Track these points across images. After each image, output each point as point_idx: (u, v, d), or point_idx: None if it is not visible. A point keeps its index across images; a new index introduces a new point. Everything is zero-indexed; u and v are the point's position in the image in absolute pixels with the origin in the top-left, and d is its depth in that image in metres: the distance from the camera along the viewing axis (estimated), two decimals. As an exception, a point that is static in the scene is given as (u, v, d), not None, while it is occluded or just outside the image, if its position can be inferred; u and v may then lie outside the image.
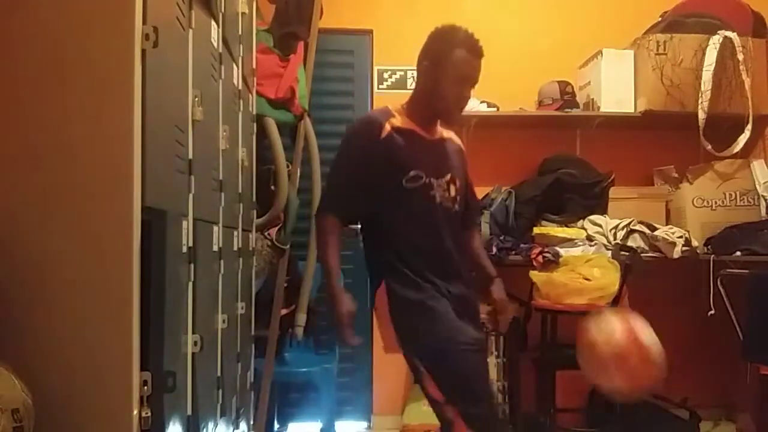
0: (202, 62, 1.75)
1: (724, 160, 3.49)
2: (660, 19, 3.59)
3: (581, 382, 3.40)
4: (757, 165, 3.49)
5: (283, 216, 3.04)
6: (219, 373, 1.96)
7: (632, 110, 3.48)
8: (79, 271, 1.20)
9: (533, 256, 3.19)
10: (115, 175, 1.20)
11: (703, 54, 3.38)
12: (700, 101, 3.36)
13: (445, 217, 2.08)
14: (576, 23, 3.77)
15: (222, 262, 1.98)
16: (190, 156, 1.60)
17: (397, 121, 2.07)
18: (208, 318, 1.81)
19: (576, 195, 3.46)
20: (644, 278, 3.15)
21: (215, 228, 1.91)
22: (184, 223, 1.54)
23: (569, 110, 3.53)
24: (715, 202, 3.48)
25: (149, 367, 1.24)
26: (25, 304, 1.19)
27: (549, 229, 3.38)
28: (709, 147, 3.43)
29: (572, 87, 3.62)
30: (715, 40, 3.38)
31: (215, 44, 1.93)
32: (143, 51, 1.23)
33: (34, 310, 1.20)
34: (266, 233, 2.98)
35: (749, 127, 3.37)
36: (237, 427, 2.30)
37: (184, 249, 1.53)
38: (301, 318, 3.16)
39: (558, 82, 3.59)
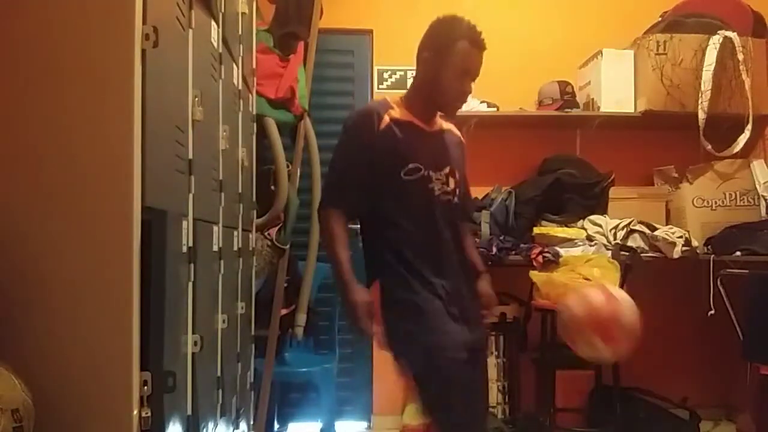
0: (202, 62, 1.75)
1: (724, 160, 3.49)
2: (660, 19, 3.59)
3: (581, 382, 3.42)
4: (757, 165, 3.49)
5: (283, 216, 3.04)
6: (219, 373, 1.96)
7: (632, 110, 3.48)
8: (79, 271, 1.20)
9: (533, 256, 3.19)
10: (115, 175, 1.20)
11: (703, 54, 3.39)
12: (700, 101, 3.36)
13: (443, 210, 2.04)
14: (576, 23, 3.77)
15: (222, 262, 1.98)
16: (190, 156, 1.60)
17: (396, 112, 2.03)
18: (208, 318, 1.81)
19: (576, 195, 3.46)
20: (644, 278, 3.14)
21: (215, 228, 1.91)
22: (184, 223, 1.54)
23: (569, 110, 3.53)
24: (715, 202, 3.48)
25: (149, 367, 1.24)
26: (25, 304, 1.19)
27: (549, 229, 3.38)
28: (709, 147, 3.43)
29: (572, 87, 3.62)
30: (715, 40, 3.38)
31: (215, 44, 1.93)
32: (143, 51, 1.23)
33: (34, 310, 1.20)
34: (266, 233, 2.98)
35: (749, 127, 3.38)
36: (237, 427, 2.30)
37: (184, 249, 1.53)
38: (301, 318, 3.16)
39: (558, 82, 3.59)
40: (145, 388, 1.23)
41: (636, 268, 3.05)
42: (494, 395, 3.38)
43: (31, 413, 1.08)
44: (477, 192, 3.56)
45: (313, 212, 3.13)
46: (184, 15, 1.54)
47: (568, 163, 3.56)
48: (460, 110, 2.15)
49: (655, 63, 3.38)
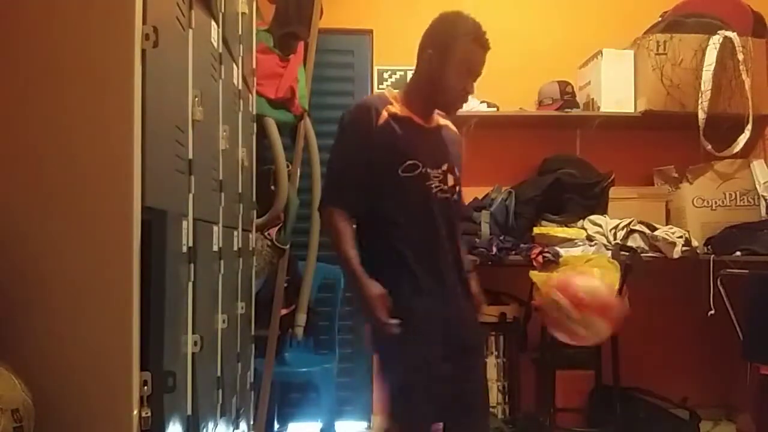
0: (202, 62, 1.75)
1: (724, 160, 3.49)
2: (660, 19, 3.59)
3: (581, 382, 3.42)
4: (757, 165, 3.49)
5: (283, 216, 3.04)
6: (219, 373, 1.96)
7: (632, 110, 3.48)
8: (79, 271, 1.20)
9: (533, 256, 3.19)
10: (115, 175, 1.20)
11: (703, 54, 3.39)
12: (700, 101, 3.36)
13: (441, 208, 2.01)
14: (576, 23, 3.77)
15: (222, 262, 1.98)
16: (190, 156, 1.60)
17: (394, 108, 1.99)
18: (208, 318, 1.81)
19: (576, 195, 3.46)
20: (644, 278, 3.14)
21: (215, 228, 1.91)
22: (184, 223, 1.54)
23: (569, 110, 3.53)
24: (715, 202, 3.48)
25: (149, 367, 1.24)
26: (25, 304, 1.19)
27: (549, 229, 3.38)
28: (709, 147, 3.43)
29: (572, 87, 3.62)
30: (715, 40, 3.38)
31: (215, 44, 1.93)
32: (143, 51, 1.23)
33: (34, 310, 1.20)
34: (266, 233, 2.98)
35: (749, 127, 3.38)
36: (237, 427, 2.30)
37: (184, 249, 1.53)
38: (301, 318, 3.17)
39: (558, 82, 3.59)
40: (145, 388, 1.23)
41: (636, 268, 3.05)
42: (494, 395, 3.38)
43: (31, 413, 1.08)
44: (477, 192, 3.57)
45: (313, 212, 3.13)
46: (184, 15, 1.54)
47: (568, 163, 3.56)
48: (460, 110, 2.12)
49: (655, 63, 3.39)
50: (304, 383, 3.47)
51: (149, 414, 1.23)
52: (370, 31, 3.75)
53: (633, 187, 3.62)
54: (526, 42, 3.68)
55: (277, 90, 3.01)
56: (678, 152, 3.64)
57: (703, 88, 3.35)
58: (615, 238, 3.31)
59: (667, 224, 3.45)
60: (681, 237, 3.24)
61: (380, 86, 3.68)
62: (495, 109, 3.54)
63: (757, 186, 3.45)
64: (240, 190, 2.43)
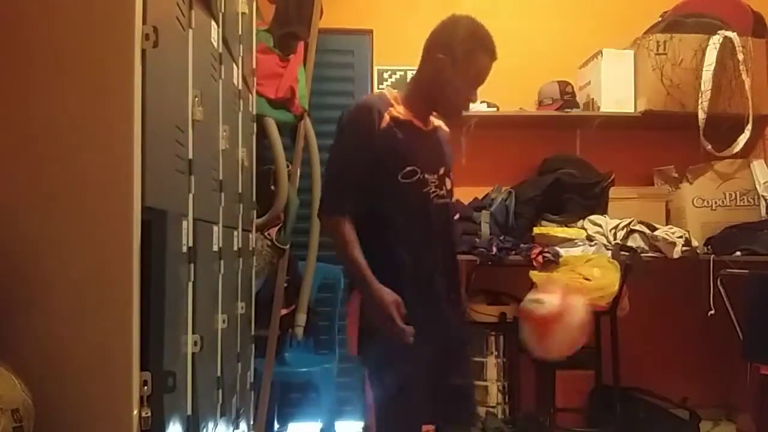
0: (202, 62, 1.75)
1: (724, 160, 3.49)
2: (660, 19, 3.59)
3: (581, 382, 3.42)
4: (757, 165, 3.49)
5: (283, 216, 3.04)
6: (219, 373, 1.96)
7: (632, 110, 3.48)
8: (79, 271, 1.20)
9: (533, 256, 3.19)
10: (115, 175, 1.20)
11: (703, 54, 3.39)
12: (700, 101, 3.36)
13: (438, 213, 2.00)
14: (576, 23, 3.77)
15: (222, 262, 1.98)
16: (190, 156, 1.60)
17: (396, 111, 1.95)
18: (208, 318, 1.81)
19: (576, 195, 3.46)
20: (644, 278, 3.15)
21: (215, 228, 1.91)
22: (184, 223, 1.54)
23: (569, 110, 3.53)
24: (715, 202, 3.48)
25: (149, 367, 1.24)
26: (25, 304, 1.19)
27: (549, 229, 3.38)
28: (709, 147, 3.43)
29: (572, 87, 3.62)
30: (715, 40, 3.38)
31: (215, 44, 1.93)
32: (143, 51, 1.23)
33: (34, 310, 1.20)
34: (266, 233, 2.98)
35: (749, 127, 3.38)
36: (237, 427, 2.30)
37: (184, 249, 1.53)
38: (301, 318, 3.17)
39: (558, 82, 3.59)
40: (145, 388, 1.23)
41: (636, 268, 3.05)
42: (494, 395, 3.38)
43: (31, 413, 1.08)
44: (477, 192, 3.57)
45: (313, 212, 3.12)
46: (184, 15, 1.54)
47: (568, 163, 3.57)
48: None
49: (655, 63, 3.39)
50: (304, 383, 3.47)
51: (149, 414, 1.23)
52: (370, 31, 3.75)
53: (633, 187, 3.62)
54: (526, 42, 3.68)
55: (277, 90, 3.01)
56: (678, 152, 3.64)
57: (703, 88, 3.35)
58: (615, 238, 3.31)
59: (667, 224, 3.45)
60: (681, 237, 3.24)
61: (380, 86, 3.69)
62: (495, 109, 3.54)
63: (757, 186, 3.45)
64: (240, 190, 2.43)
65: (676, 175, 3.62)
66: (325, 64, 3.54)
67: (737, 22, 3.47)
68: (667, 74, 3.38)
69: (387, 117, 1.93)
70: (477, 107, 3.45)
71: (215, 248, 1.91)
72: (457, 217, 3.37)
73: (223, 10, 2.00)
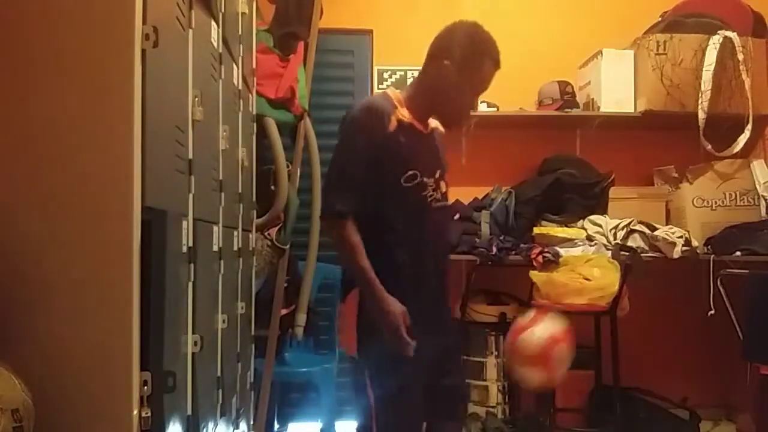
0: (202, 62, 1.75)
1: (724, 160, 3.49)
2: (660, 19, 3.59)
3: (581, 382, 3.42)
4: (757, 165, 3.49)
5: (283, 216, 3.04)
6: (219, 373, 1.96)
7: (632, 110, 3.48)
8: (79, 271, 1.20)
9: (533, 256, 3.19)
10: (115, 175, 1.20)
11: (703, 54, 3.39)
12: (700, 101, 3.36)
13: (435, 216, 2.01)
14: (576, 23, 3.77)
15: (222, 262, 1.98)
16: (190, 156, 1.60)
17: (401, 114, 1.95)
18: (208, 318, 1.81)
19: (576, 195, 3.46)
20: (644, 278, 3.15)
21: (215, 228, 1.91)
22: (184, 223, 1.54)
23: (569, 110, 3.53)
24: (715, 202, 3.48)
25: (149, 367, 1.24)
26: (25, 304, 1.19)
27: (549, 229, 3.38)
28: (709, 147, 3.43)
29: (572, 87, 3.62)
30: (715, 40, 3.38)
31: (215, 44, 1.93)
32: (143, 51, 1.23)
33: (34, 310, 1.20)
34: (266, 233, 2.98)
35: (749, 127, 3.38)
36: (237, 427, 2.30)
37: (184, 249, 1.53)
38: (301, 318, 3.17)
39: (558, 82, 3.59)
40: (145, 388, 1.23)
41: (636, 268, 3.05)
42: (494, 395, 3.38)
43: (31, 413, 1.08)
44: (477, 192, 3.57)
45: (313, 212, 3.13)
46: (184, 15, 1.54)
47: (568, 163, 3.57)
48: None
49: (655, 63, 3.39)
50: (304, 383, 3.47)
51: (149, 414, 1.23)
52: (370, 31, 3.75)
53: (633, 187, 3.62)
54: (526, 42, 3.68)
55: (277, 90, 3.01)
56: (678, 152, 3.64)
57: (703, 88, 3.36)
58: (615, 238, 3.31)
59: (667, 224, 3.45)
60: (681, 237, 3.24)
61: (380, 86, 3.68)
62: (495, 109, 3.54)
63: (757, 186, 3.45)
64: (240, 190, 2.43)
65: (676, 175, 3.62)
66: (325, 64, 3.54)
67: (737, 22, 3.47)
68: (667, 74, 3.38)
69: (394, 120, 1.93)
70: (477, 107, 3.45)
71: (215, 248, 1.91)
72: (457, 217, 3.40)
73: (223, 10, 2.00)
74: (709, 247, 3.32)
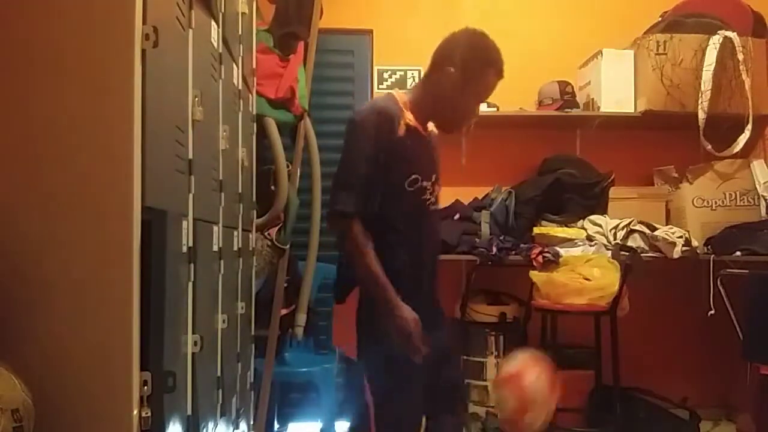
0: (202, 62, 1.75)
1: (724, 160, 3.49)
2: (660, 19, 3.59)
3: (581, 382, 3.42)
4: (757, 165, 3.49)
5: (283, 216, 3.04)
6: (219, 373, 1.96)
7: (632, 110, 3.48)
8: (79, 271, 1.20)
9: (533, 256, 3.19)
10: (115, 175, 1.20)
11: (703, 54, 3.39)
12: (700, 101, 3.36)
13: (431, 219, 2.06)
14: (576, 23, 3.77)
15: (222, 262, 1.98)
16: (190, 156, 1.60)
17: (407, 118, 1.97)
18: (208, 318, 1.81)
19: (576, 195, 3.47)
20: (644, 278, 3.15)
21: (215, 228, 1.91)
22: (184, 223, 1.54)
23: (569, 110, 3.54)
24: (715, 202, 3.48)
25: (149, 367, 1.23)
26: (25, 304, 1.19)
27: (549, 229, 3.38)
28: (709, 147, 3.43)
29: (572, 87, 3.62)
30: (715, 40, 3.39)
31: (215, 44, 1.92)
32: (143, 51, 1.22)
33: (34, 310, 1.20)
34: (266, 233, 2.98)
35: (749, 127, 3.38)
36: (237, 427, 2.30)
37: (184, 249, 1.53)
38: (301, 318, 3.16)
39: (558, 82, 3.59)
40: (145, 388, 1.22)
41: (636, 268, 3.05)
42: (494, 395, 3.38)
43: (31, 413, 1.08)
44: (477, 192, 3.57)
45: (313, 213, 3.13)
46: (184, 15, 1.54)
47: (568, 163, 3.57)
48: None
49: (655, 63, 3.39)
50: (304, 383, 3.47)
51: (149, 414, 1.22)
52: (370, 31, 3.75)
53: (633, 187, 3.62)
54: (526, 42, 3.68)
55: (277, 90, 3.01)
56: (678, 152, 3.64)
57: (703, 88, 3.36)
58: (615, 238, 3.31)
59: (667, 224, 3.45)
60: (681, 237, 3.24)
61: (380, 86, 3.69)
62: (495, 109, 3.53)
63: (757, 186, 3.45)
64: (240, 190, 2.43)
65: (676, 175, 3.62)
66: (325, 64, 3.54)
67: (737, 22, 3.47)
68: (667, 74, 3.39)
69: (402, 124, 1.95)
70: (477, 107, 3.45)
71: (215, 248, 1.91)
72: (457, 217, 3.40)
73: (223, 10, 2.00)
74: (709, 247, 3.32)
